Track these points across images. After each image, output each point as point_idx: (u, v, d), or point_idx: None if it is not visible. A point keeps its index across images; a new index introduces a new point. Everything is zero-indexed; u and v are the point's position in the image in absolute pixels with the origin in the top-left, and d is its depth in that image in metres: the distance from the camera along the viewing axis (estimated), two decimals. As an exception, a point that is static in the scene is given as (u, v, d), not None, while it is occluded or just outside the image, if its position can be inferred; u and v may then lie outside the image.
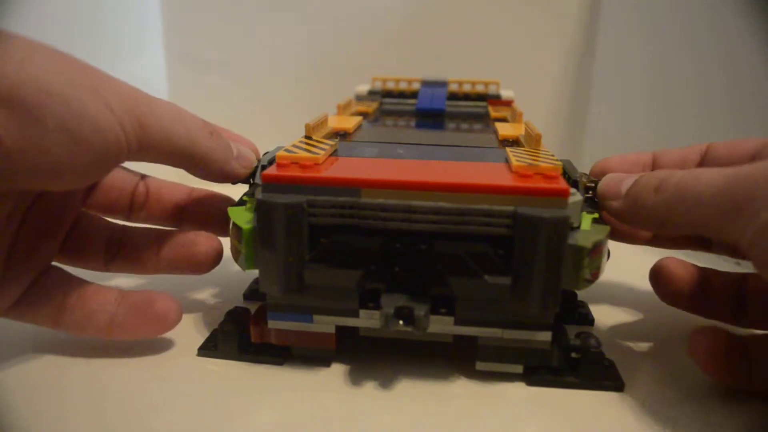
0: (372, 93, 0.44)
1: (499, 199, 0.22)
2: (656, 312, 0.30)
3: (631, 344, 0.28)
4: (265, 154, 0.28)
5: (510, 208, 0.21)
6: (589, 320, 0.30)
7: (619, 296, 0.33)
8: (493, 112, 0.39)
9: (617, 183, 0.25)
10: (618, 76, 0.55)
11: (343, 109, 0.37)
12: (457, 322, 0.24)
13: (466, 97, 0.44)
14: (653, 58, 0.50)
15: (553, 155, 0.26)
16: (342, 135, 0.31)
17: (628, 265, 0.32)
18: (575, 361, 0.24)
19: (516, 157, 0.25)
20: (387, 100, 0.44)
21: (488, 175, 0.23)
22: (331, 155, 0.26)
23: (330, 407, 0.23)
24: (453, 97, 0.44)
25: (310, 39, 0.57)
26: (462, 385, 0.24)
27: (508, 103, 0.42)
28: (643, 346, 0.28)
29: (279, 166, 0.24)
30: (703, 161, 0.28)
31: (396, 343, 0.25)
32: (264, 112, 0.56)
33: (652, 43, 0.50)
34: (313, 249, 0.23)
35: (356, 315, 0.24)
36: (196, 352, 0.26)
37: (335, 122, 0.33)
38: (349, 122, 0.33)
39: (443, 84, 0.44)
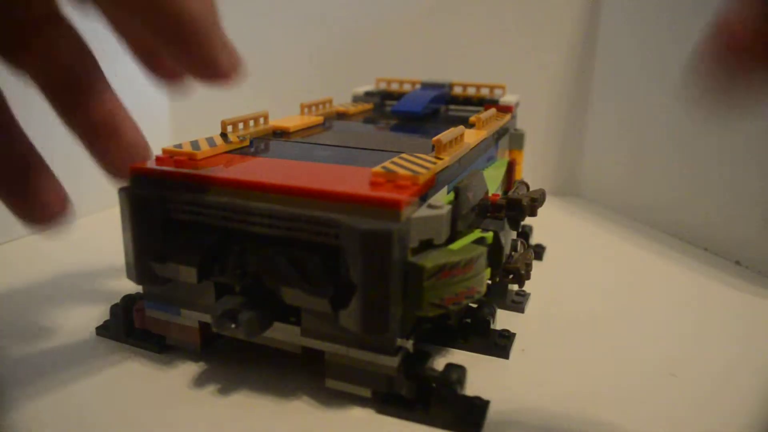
0: (369, 94, 0.43)
1: (329, 206, 0.20)
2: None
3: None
4: None
5: (336, 216, 0.20)
6: (504, 353, 0.26)
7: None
8: (474, 117, 0.37)
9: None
10: (618, 78, 0.50)
11: (308, 107, 0.36)
12: (303, 333, 0.22)
13: (468, 101, 0.42)
14: (653, 59, 0.44)
15: (436, 163, 0.23)
16: (280, 134, 0.31)
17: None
18: (433, 394, 0.22)
19: (391, 162, 0.23)
20: (387, 101, 0.43)
21: (337, 181, 0.21)
22: (231, 152, 0.26)
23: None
24: (455, 101, 0.42)
25: (315, 39, 0.57)
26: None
27: (507, 109, 0.39)
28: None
29: (157, 159, 0.24)
30: None
31: (265, 348, 0.25)
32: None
33: (652, 43, 0.45)
34: (165, 242, 0.23)
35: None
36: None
37: (283, 121, 0.33)
38: (296, 122, 0.33)
39: (443, 87, 0.42)
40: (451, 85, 0.42)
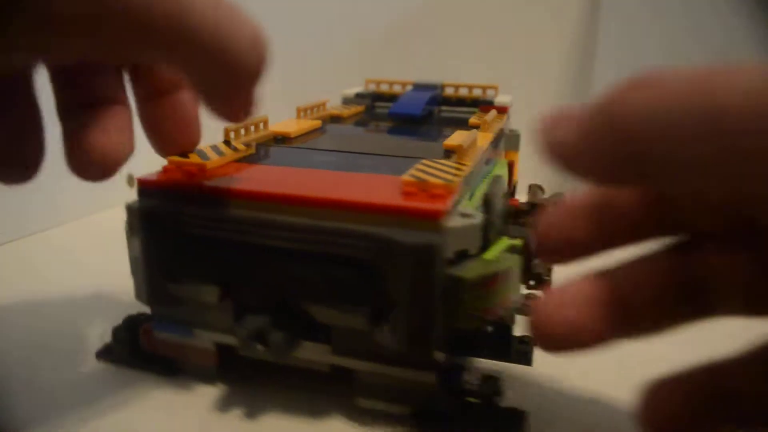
0: (359, 96, 0.42)
1: (364, 218, 0.19)
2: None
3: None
4: None
5: (374, 229, 0.19)
6: (527, 359, 0.26)
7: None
8: (475, 119, 0.36)
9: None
10: (618, 78, 0.50)
11: (304, 112, 0.35)
12: (334, 352, 0.21)
13: (460, 102, 0.41)
14: (653, 59, 0.44)
15: (461, 169, 0.22)
16: (281, 140, 0.30)
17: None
18: (473, 408, 0.21)
19: (416, 170, 0.22)
20: (378, 103, 0.42)
21: (366, 191, 0.20)
22: (239, 161, 0.25)
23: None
24: (447, 102, 0.41)
25: (303, 39, 0.56)
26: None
27: (503, 110, 0.39)
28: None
29: (164, 170, 0.23)
30: None
31: (286, 367, 0.23)
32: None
33: (652, 44, 0.46)
34: (180, 260, 0.21)
35: (233, 333, 0.22)
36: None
37: (282, 126, 0.31)
38: (296, 126, 0.32)
39: (435, 88, 0.41)
40: (442, 86, 0.42)
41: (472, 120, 0.35)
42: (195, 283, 0.21)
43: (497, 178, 0.24)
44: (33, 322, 0.29)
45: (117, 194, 0.45)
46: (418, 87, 0.41)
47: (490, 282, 0.20)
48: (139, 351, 0.25)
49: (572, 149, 0.14)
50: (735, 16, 0.32)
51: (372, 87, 0.43)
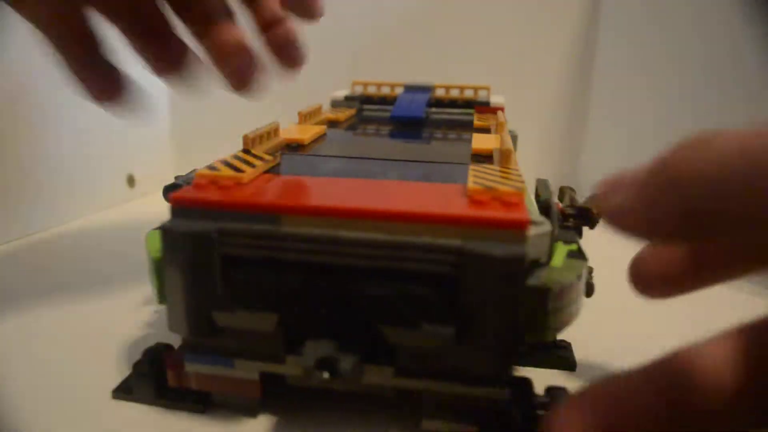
0: (349, 99, 0.41)
1: (442, 230, 0.18)
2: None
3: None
4: (191, 172, 0.24)
5: (455, 242, 0.18)
6: (569, 364, 0.26)
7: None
8: (478, 121, 0.36)
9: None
10: (618, 80, 0.52)
11: (305, 117, 0.33)
12: (397, 374, 0.20)
13: (452, 103, 0.40)
14: (654, 62, 0.46)
15: (520, 175, 0.22)
16: (294, 147, 0.28)
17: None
18: (538, 420, 0.20)
19: (475, 177, 0.21)
20: (367, 106, 0.41)
21: (435, 201, 0.19)
22: (266, 172, 0.23)
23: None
24: (439, 103, 0.41)
25: None
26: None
27: (496, 110, 0.39)
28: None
29: (195, 186, 0.20)
30: None
31: (332, 393, 0.22)
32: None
33: (653, 45, 0.47)
34: (227, 285, 0.19)
35: (282, 361, 0.20)
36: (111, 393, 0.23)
37: (291, 132, 0.30)
38: (307, 132, 0.30)
39: (427, 89, 0.40)
40: (433, 88, 0.41)
41: (478, 122, 0.35)
42: (247, 310, 0.19)
43: (544, 182, 0.24)
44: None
45: (117, 194, 0.42)
46: (411, 88, 0.40)
47: (568, 290, 0.19)
48: (165, 386, 0.22)
49: (632, 213, 0.15)
50: (736, 17, 0.33)
51: (359, 89, 0.42)
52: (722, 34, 0.37)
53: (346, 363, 0.18)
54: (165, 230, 0.19)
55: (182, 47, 0.26)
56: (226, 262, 0.19)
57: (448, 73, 0.44)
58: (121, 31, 0.25)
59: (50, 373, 0.24)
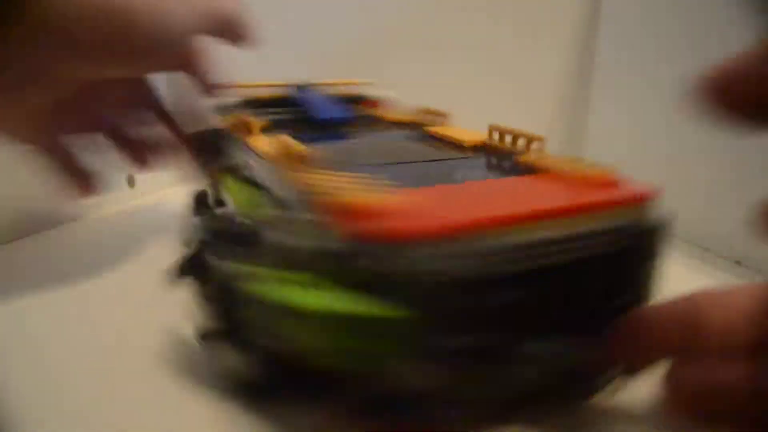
0: (221, 107, 0.35)
1: (605, 216, 0.20)
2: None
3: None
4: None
5: (619, 222, 0.20)
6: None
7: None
8: (390, 115, 0.36)
9: None
10: (619, 78, 0.51)
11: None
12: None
13: (349, 100, 0.38)
14: (655, 60, 0.46)
15: (572, 158, 0.24)
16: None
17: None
18: None
19: (552, 165, 0.23)
20: (258, 110, 0.36)
21: (564, 193, 0.21)
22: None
23: None
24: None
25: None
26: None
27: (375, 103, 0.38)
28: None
29: (358, 218, 0.17)
30: None
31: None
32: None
33: (653, 44, 0.47)
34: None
35: None
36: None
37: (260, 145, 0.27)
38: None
39: (317, 87, 0.37)
40: (315, 85, 0.38)
41: (392, 117, 0.35)
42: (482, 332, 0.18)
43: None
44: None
45: (117, 194, 0.42)
46: (301, 88, 0.37)
47: None
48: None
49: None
50: (736, 17, 0.32)
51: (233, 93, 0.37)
52: (722, 34, 0.37)
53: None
54: (429, 275, 0.16)
55: (145, 148, 0.32)
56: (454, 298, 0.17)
57: (447, 73, 0.40)
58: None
59: (50, 373, 0.23)
